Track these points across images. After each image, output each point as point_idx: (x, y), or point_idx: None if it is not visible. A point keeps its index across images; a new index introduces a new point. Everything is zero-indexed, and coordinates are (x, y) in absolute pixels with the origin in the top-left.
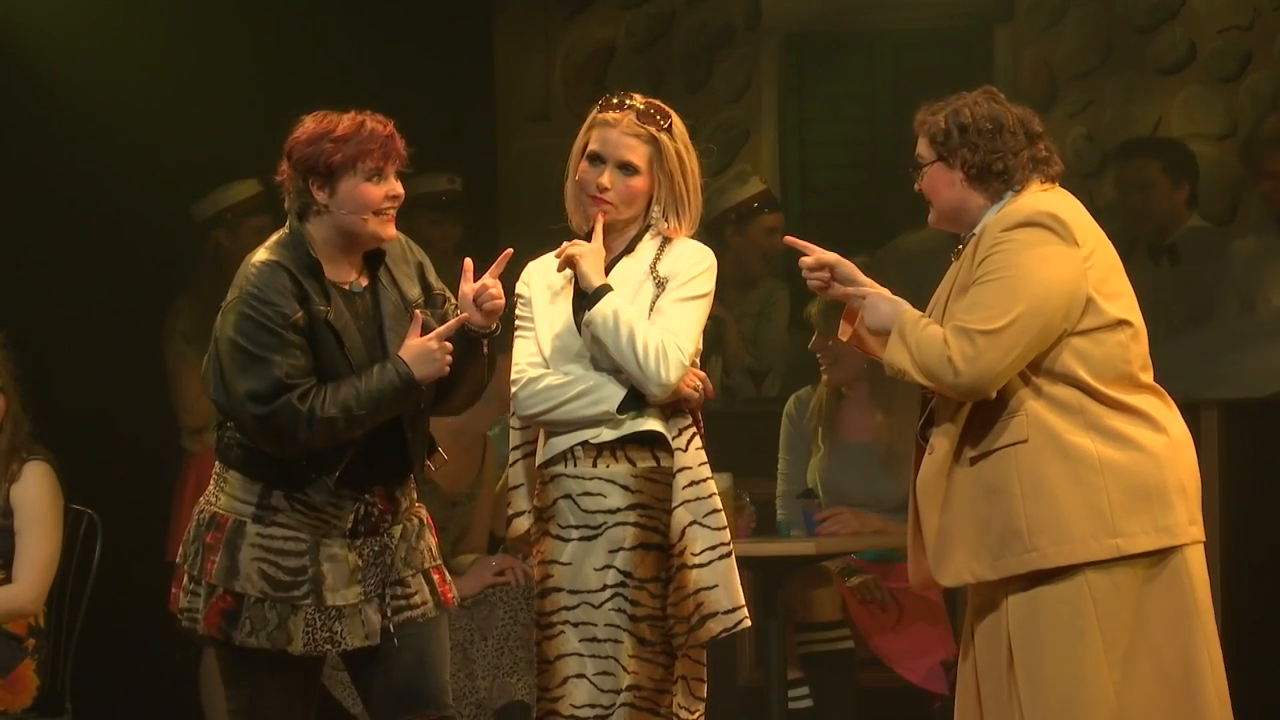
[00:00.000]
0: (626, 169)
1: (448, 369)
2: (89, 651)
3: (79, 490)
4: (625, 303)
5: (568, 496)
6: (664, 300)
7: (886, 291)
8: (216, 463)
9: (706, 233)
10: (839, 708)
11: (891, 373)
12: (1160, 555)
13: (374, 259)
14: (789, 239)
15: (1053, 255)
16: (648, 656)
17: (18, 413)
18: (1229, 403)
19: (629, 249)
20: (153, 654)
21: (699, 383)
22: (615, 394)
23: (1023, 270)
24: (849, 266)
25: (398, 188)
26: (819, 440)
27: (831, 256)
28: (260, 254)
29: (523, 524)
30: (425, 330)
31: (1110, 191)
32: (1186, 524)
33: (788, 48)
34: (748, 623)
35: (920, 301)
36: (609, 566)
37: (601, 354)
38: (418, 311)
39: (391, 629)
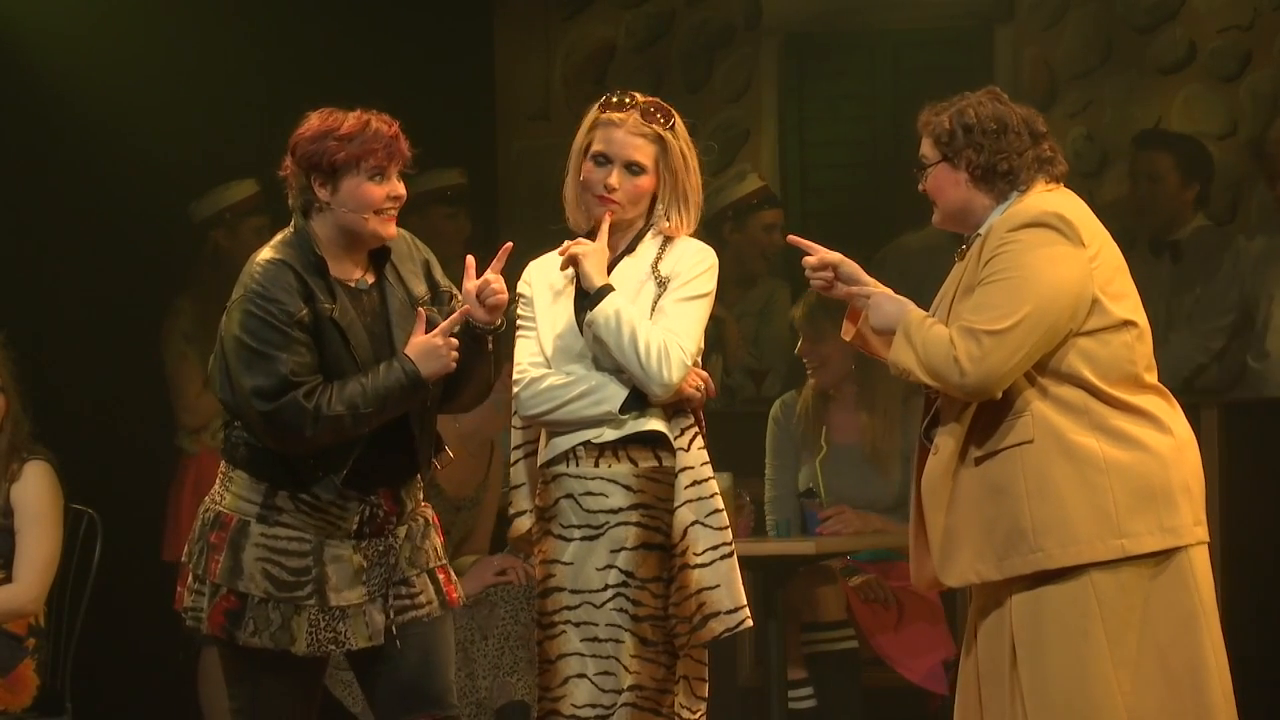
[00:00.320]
0: (633, 168)
1: (454, 365)
2: (89, 651)
3: (79, 490)
4: (627, 303)
5: (569, 496)
6: (666, 300)
7: (890, 291)
8: (222, 462)
9: (705, 230)
10: (844, 708)
11: (896, 373)
12: (1165, 555)
13: (380, 256)
14: (792, 238)
15: (1059, 256)
16: (649, 656)
17: (18, 413)
18: (1229, 403)
19: (630, 248)
20: (152, 654)
21: (701, 382)
22: (617, 394)
23: (1029, 271)
24: (852, 266)
25: (400, 188)
26: (822, 440)
27: (835, 256)
28: (265, 252)
29: (524, 523)
30: (430, 327)
31: (1111, 189)
32: (1191, 524)
33: (788, 47)
34: (750, 622)
35: (921, 301)
36: (611, 566)
37: (603, 354)
38: (422, 309)
39: (394, 629)
